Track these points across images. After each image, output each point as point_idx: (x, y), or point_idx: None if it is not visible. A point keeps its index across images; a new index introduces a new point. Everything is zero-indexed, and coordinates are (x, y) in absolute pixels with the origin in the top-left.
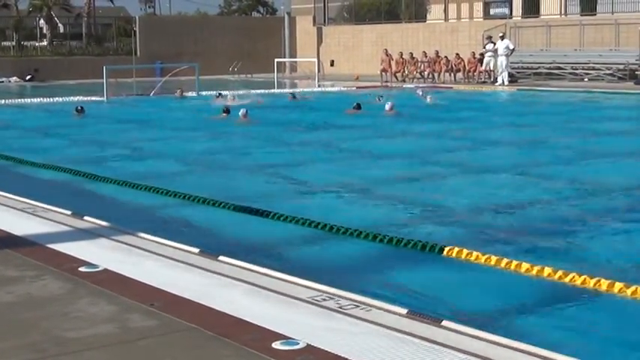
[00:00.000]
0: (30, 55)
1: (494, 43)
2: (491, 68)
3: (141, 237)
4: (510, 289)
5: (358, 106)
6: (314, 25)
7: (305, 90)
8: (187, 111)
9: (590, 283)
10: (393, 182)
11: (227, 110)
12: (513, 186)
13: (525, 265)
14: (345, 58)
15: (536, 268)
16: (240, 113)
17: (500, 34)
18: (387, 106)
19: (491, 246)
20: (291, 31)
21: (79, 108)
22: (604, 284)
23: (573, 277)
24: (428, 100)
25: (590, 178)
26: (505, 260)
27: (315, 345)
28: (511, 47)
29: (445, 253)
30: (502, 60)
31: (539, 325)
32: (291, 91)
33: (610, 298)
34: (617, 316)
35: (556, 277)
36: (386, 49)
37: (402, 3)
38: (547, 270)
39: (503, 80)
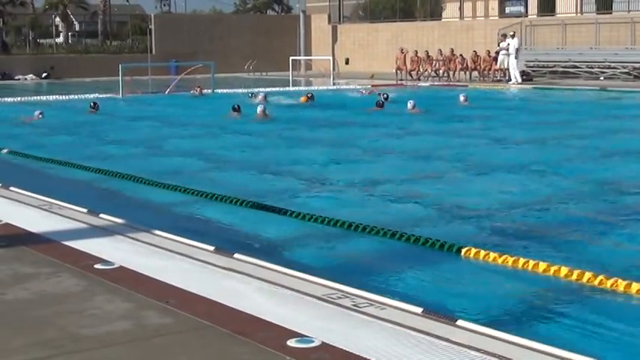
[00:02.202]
0: (46, 53)
1: (509, 43)
2: (506, 66)
3: (156, 234)
4: (527, 289)
5: (380, 104)
6: (329, 23)
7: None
8: (202, 109)
9: (607, 283)
10: (412, 180)
11: (238, 108)
12: (532, 185)
13: (542, 265)
14: (360, 56)
15: (553, 268)
16: (258, 110)
17: (511, 33)
18: (410, 105)
19: (509, 246)
20: (306, 29)
21: (93, 104)
22: (621, 285)
23: (590, 277)
24: (461, 99)
25: (608, 178)
26: (522, 260)
27: (330, 343)
28: (516, 46)
29: (463, 253)
30: (512, 58)
31: (555, 325)
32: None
33: (627, 298)
34: (634, 317)
35: (573, 277)
36: (401, 48)
37: (417, 1)
38: (564, 270)
39: (516, 78)
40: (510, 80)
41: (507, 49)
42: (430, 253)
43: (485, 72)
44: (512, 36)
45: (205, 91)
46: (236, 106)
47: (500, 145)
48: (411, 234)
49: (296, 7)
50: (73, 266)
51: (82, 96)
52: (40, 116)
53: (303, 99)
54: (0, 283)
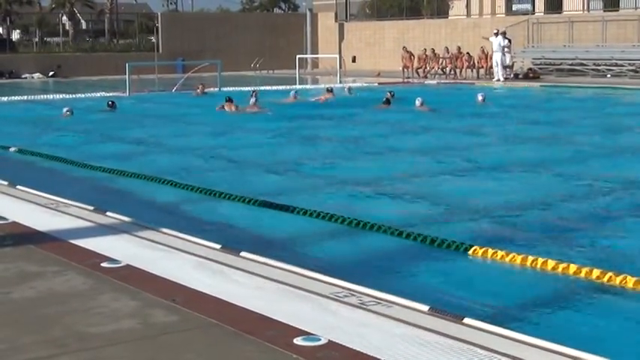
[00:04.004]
0: (52, 52)
1: (509, 39)
2: (507, 64)
3: (163, 232)
4: (535, 287)
5: (387, 102)
6: (336, 21)
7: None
8: (208, 107)
9: (616, 280)
10: (420, 178)
11: (230, 99)
12: (540, 183)
13: (551, 263)
14: (366, 54)
15: (561, 266)
16: (250, 102)
17: (495, 31)
18: (418, 102)
19: (516, 244)
20: (312, 27)
21: (110, 103)
22: (630, 281)
23: (599, 274)
24: (479, 98)
25: (616, 175)
26: (530, 258)
27: (337, 341)
28: (501, 44)
29: (470, 252)
30: (497, 56)
31: (564, 322)
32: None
33: (637, 294)
34: None
35: (582, 274)
36: (405, 47)
37: None
38: (572, 267)
39: (497, 75)
40: (517, 77)
41: (508, 47)
42: (437, 251)
43: (492, 69)
44: (496, 34)
45: (212, 89)
46: (227, 98)
47: (510, 144)
48: (418, 232)
49: (302, 5)
50: (80, 265)
51: (89, 94)
52: (69, 114)
53: (324, 96)
54: (7, 282)
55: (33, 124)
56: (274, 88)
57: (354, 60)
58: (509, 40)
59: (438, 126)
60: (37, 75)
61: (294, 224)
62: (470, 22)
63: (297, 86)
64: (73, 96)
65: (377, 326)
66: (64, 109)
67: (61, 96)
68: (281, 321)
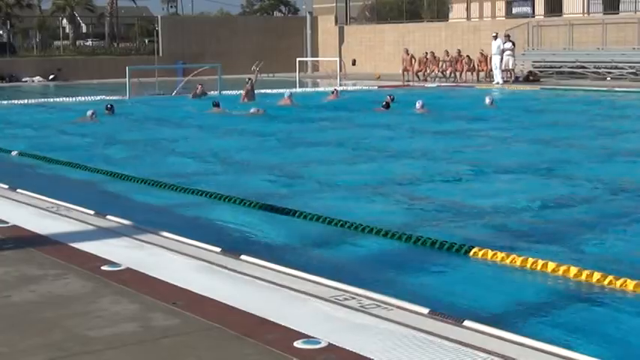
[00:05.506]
0: (53, 55)
1: (513, 42)
2: (511, 67)
3: (163, 236)
4: (535, 289)
5: (387, 105)
6: (336, 24)
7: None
8: (203, 109)
9: (617, 283)
10: (420, 181)
11: (217, 104)
12: (539, 186)
13: (551, 265)
14: (366, 57)
15: (562, 268)
16: (251, 110)
17: (494, 34)
18: (418, 105)
19: (517, 246)
20: (312, 30)
21: (109, 106)
22: (630, 284)
23: (599, 277)
24: (487, 101)
25: (617, 178)
26: (531, 260)
27: (337, 344)
28: (501, 47)
29: (471, 253)
30: (495, 58)
31: (564, 325)
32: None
33: (637, 297)
34: None
35: (582, 277)
36: (406, 49)
37: (423, 2)
38: (573, 270)
39: (497, 78)
40: (518, 80)
41: (512, 50)
42: (437, 253)
43: (492, 72)
44: (495, 37)
45: (213, 92)
46: (215, 102)
47: (511, 146)
48: (418, 235)
49: (302, 8)
50: (80, 268)
51: (89, 98)
52: (94, 117)
53: (330, 97)
54: (7, 285)
55: (39, 128)
56: (274, 91)
57: (354, 63)
58: (513, 43)
59: (440, 129)
60: (37, 78)
61: (294, 227)
62: (470, 25)
63: (297, 89)
64: (73, 99)
65: (377, 329)
66: (88, 112)
67: (61, 99)
68: (281, 324)
